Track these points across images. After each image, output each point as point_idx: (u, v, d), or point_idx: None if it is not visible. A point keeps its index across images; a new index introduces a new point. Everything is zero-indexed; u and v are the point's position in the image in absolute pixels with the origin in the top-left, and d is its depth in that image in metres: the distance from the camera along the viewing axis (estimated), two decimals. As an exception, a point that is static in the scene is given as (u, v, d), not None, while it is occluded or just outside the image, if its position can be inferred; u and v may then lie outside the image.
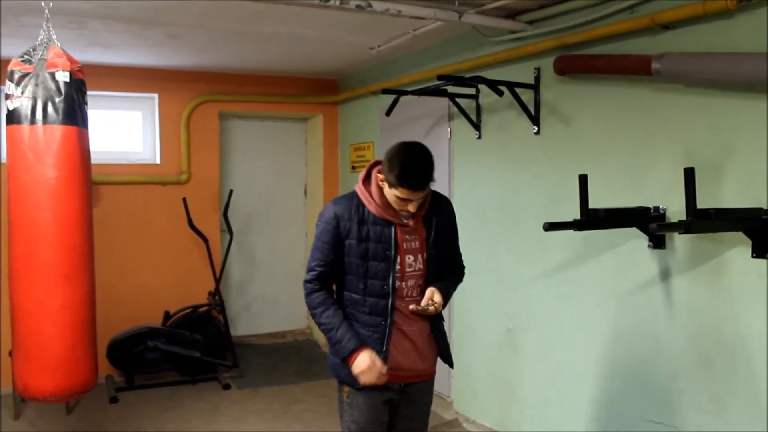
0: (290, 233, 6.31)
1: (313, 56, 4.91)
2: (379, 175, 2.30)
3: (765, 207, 2.42)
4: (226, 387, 4.99)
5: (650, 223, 2.45)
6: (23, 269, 2.95)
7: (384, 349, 2.31)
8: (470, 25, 3.62)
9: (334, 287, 2.44)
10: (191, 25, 3.89)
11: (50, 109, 2.86)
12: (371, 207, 2.33)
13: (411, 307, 2.34)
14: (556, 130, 3.43)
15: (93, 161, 3.21)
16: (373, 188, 2.34)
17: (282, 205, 6.31)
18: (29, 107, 2.84)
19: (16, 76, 2.87)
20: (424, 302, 2.33)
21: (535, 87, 3.52)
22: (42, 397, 3.00)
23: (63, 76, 2.87)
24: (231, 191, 5.54)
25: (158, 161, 5.45)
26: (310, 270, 2.38)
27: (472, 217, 4.05)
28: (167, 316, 5.13)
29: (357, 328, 2.34)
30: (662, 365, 2.86)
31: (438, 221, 2.42)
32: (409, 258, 2.34)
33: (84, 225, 3.03)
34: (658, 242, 2.86)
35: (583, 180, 2.61)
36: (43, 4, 2.85)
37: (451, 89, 3.90)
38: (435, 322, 2.45)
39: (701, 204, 2.34)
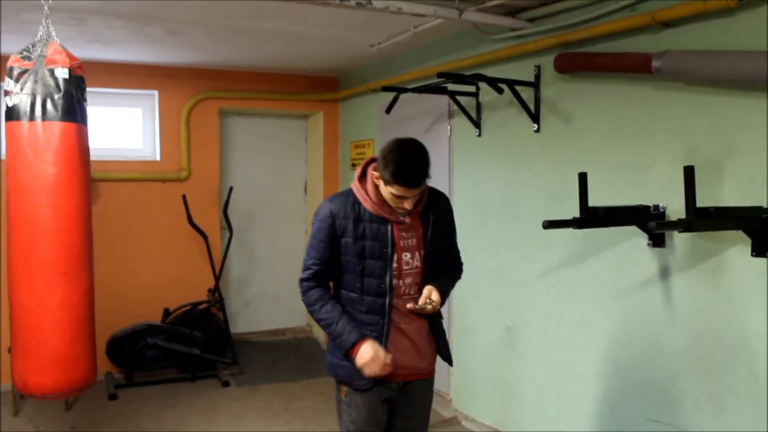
0: (290, 230, 6.31)
1: (314, 53, 4.91)
2: (374, 172, 2.28)
3: (765, 206, 2.41)
4: (226, 384, 4.99)
5: (650, 222, 2.44)
6: (22, 266, 2.95)
7: (382, 347, 2.30)
8: (471, 23, 3.61)
9: (330, 285, 2.43)
10: (191, 21, 3.88)
11: (49, 105, 2.85)
12: (367, 204, 2.31)
13: (408, 306, 2.33)
14: (556, 127, 3.42)
15: (93, 158, 3.21)
16: (369, 185, 2.32)
17: (282, 203, 6.31)
18: (28, 104, 2.84)
19: (15, 73, 2.86)
20: (421, 301, 2.31)
21: (536, 85, 3.51)
22: (41, 393, 3.00)
23: (62, 73, 2.86)
24: (231, 188, 5.54)
25: (158, 158, 5.44)
26: (305, 269, 2.36)
27: (472, 215, 4.04)
28: (167, 313, 5.13)
29: (355, 326, 2.33)
30: (662, 363, 2.86)
31: (435, 218, 2.40)
32: (406, 255, 2.33)
33: (83, 222, 3.03)
34: (657, 240, 2.86)
35: (583, 178, 2.60)
36: (42, 1, 2.84)
37: (451, 87, 3.89)
38: (433, 320, 2.43)
39: (701, 202, 2.34)
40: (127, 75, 5.24)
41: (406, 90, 4.02)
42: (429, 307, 2.31)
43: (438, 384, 3.02)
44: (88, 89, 3.04)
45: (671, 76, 2.72)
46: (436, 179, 4.09)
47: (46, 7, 2.88)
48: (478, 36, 3.85)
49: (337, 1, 3.06)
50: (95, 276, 3.17)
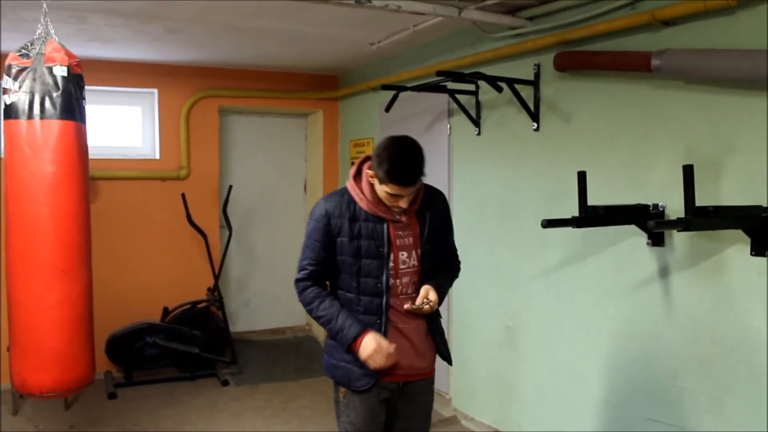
0: (290, 229, 6.30)
1: (314, 52, 4.90)
2: (368, 171, 2.26)
3: (764, 205, 2.41)
4: (225, 383, 4.99)
5: (649, 221, 2.44)
6: (20, 264, 2.95)
7: (384, 337, 2.27)
8: (470, 21, 3.61)
9: (327, 284, 2.41)
10: (191, 19, 3.88)
11: (48, 103, 2.85)
12: (362, 203, 2.29)
13: (405, 306, 2.31)
14: (556, 126, 3.42)
15: (92, 156, 3.21)
16: (364, 184, 2.30)
17: (282, 201, 6.31)
18: (27, 102, 2.84)
19: (13, 71, 2.86)
20: (418, 301, 2.29)
21: (535, 83, 3.51)
22: (39, 392, 3.00)
23: (61, 71, 2.86)
24: (230, 187, 5.54)
25: (158, 156, 5.44)
26: (301, 269, 2.34)
27: (471, 214, 4.04)
28: (166, 312, 5.12)
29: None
30: (661, 363, 2.86)
31: (432, 216, 2.38)
32: (402, 255, 2.31)
33: (81, 220, 3.03)
34: (657, 240, 2.85)
35: (582, 177, 2.60)
36: (41, -2, 2.85)
37: (450, 85, 3.89)
38: (432, 319, 2.41)
39: (701, 201, 2.33)
40: (127, 73, 5.23)
41: (405, 88, 4.01)
42: (426, 307, 2.29)
43: (437, 383, 3.01)
44: (87, 87, 3.05)
45: (671, 75, 2.71)
46: (436, 178, 4.10)
47: (45, 5, 2.88)
48: (478, 34, 3.85)
49: (336, -1, 3.05)
50: (94, 275, 3.17)
